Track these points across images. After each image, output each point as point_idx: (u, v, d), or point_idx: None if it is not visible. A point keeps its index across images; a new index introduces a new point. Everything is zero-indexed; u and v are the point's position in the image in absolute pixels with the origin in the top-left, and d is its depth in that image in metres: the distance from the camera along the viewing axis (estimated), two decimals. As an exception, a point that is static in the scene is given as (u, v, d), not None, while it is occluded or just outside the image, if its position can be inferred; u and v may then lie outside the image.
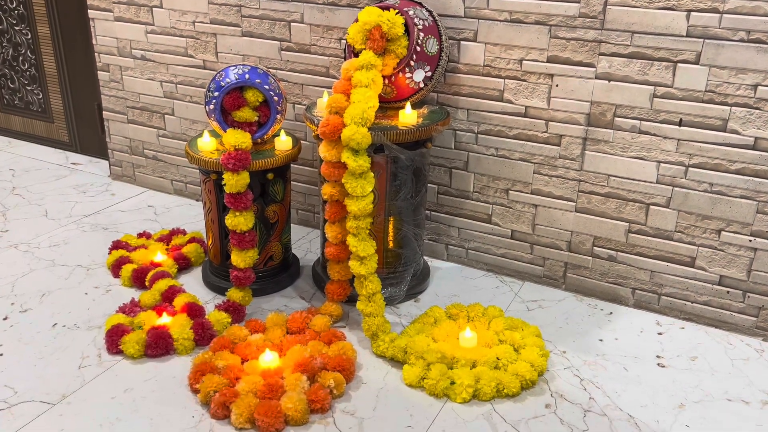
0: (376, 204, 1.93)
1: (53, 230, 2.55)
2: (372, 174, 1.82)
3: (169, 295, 2.03)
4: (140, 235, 2.46)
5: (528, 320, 1.98)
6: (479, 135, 2.16)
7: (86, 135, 3.24)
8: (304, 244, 2.49)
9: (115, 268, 2.22)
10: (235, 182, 1.89)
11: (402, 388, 1.73)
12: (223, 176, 1.91)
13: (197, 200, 2.85)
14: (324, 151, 1.84)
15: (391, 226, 2.04)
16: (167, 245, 2.38)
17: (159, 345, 1.81)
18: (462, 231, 2.30)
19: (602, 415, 1.65)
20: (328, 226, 1.93)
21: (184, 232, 2.47)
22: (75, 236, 2.51)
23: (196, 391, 1.68)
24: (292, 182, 2.48)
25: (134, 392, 1.69)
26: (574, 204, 2.10)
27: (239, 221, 1.92)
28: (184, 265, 2.27)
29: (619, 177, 2.01)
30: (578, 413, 1.65)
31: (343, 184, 1.83)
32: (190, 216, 2.70)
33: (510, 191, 2.18)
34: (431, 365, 1.73)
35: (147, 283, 2.13)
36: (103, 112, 2.93)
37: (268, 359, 1.73)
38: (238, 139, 1.91)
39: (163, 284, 2.07)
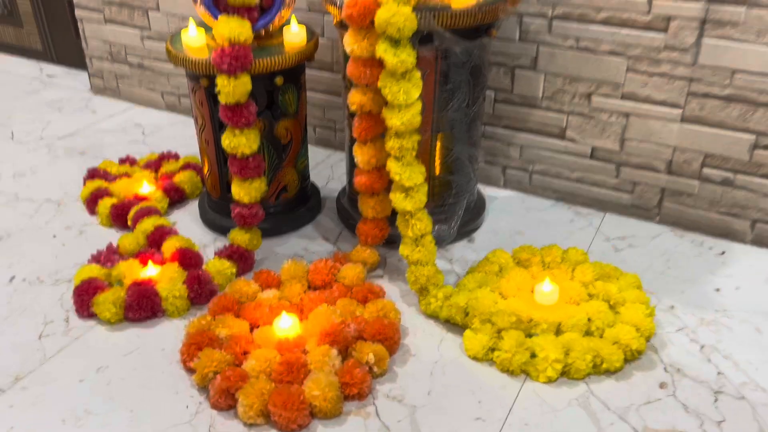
0: (422, 116, 1.44)
1: (19, 156, 2.10)
2: (418, 74, 1.33)
3: (157, 238, 1.59)
4: (122, 161, 2.00)
5: (617, 264, 1.53)
6: (554, 21, 1.63)
7: (62, 41, 2.72)
8: (325, 170, 2.02)
9: (91, 203, 1.78)
10: (232, 89, 1.40)
11: (463, 362, 1.30)
12: (217, 81, 1.42)
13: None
14: (351, 42, 1.33)
15: (438, 146, 1.55)
16: (156, 173, 1.92)
17: (142, 305, 1.39)
18: (525, 150, 1.81)
19: (739, 398, 1.22)
20: (359, 147, 1.45)
21: (176, 157, 2.00)
22: (45, 163, 2.06)
23: (191, 370, 1.26)
24: (307, 91, 1.98)
25: (110, 372, 1.28)
26: (681, 111, 1.59)
27: (240, 142, 1.45)
28: (176, 198, 1.82)
29: (748, 72, 1.49)
30: (706, 395, 1.22)
31: (378, 90, 1.34)
32: (186, 137, 2.23)
33: (593, 96, 1.67)
34: (503, 332, 1.30)
35: (129, 223, 1.69)
36: (75, 11, 2.40)
37: (286, 326, 1.31)
38: (233, 29, 1.40)
39: (149, 224, 1.63)
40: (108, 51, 2.41)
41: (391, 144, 1.37)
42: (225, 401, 1.18)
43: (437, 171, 1.58)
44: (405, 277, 1.51)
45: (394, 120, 1.34)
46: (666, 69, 1.57)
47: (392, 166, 1.39)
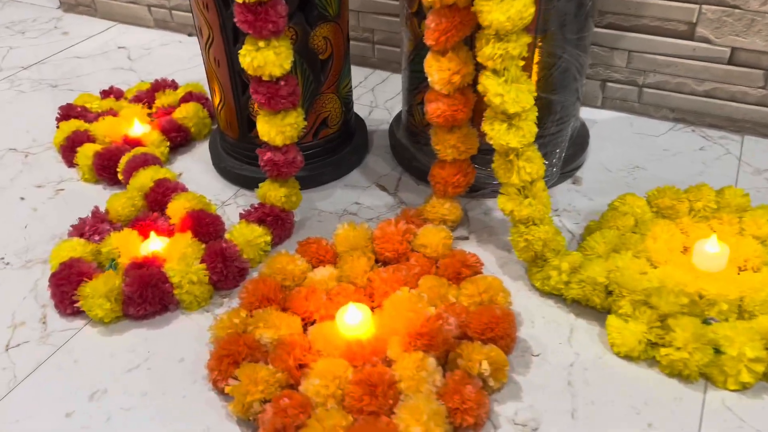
0: (530, 8, 1.00)
1: (-27, 94, 1.65)
2: (533, -60, 0.88)
3: (159, 197, 1.18)
4: (105, 94, 1.55)
5: (782, 207, 1.12)
6: None
7: (18, -52, 2.20)
8: (365, 94, 1.58)
9: (68, 152, 1.35)
10: (252, -21, 0.95)
11: (611, 363, 0.91)
12: (228, -31, 0.96)
13: (190, 34, 1.89)
14: None
15: (540, 53, 1.11)
16: (149, 108, 1.48)
17: (147, 297, 0.99)
18: (635, 57, 1.37)
19: None
20: (434, 59, 1.01)
21: (174, 86, 1.55)
22: (5, 102, 1.61)
23: (222, 392, 0.88)
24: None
25: (108, 400, 0.90)
26: None
27: (266, 59, 1.01)
28: (178, 139, 1.39)
29: None
30: None
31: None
32: (183, 59, 1.77)
33: (743, -24, 1.22)
34: (669, 319, 0.90)
35: (120, 177, 1.27)
36: None
37: (355, 321, 0.91)
38: None
39: (146, 177, 1.21)
40: (75, -46, 1.92)
41: (490, 51, 0.93)
42: (281, 445, 0.81)
43: (536, 88, 1.14)
44: (502, 238, 1.11)
45: (495, 14, 0.90)
46: None
47: (489, 84, 0.95)
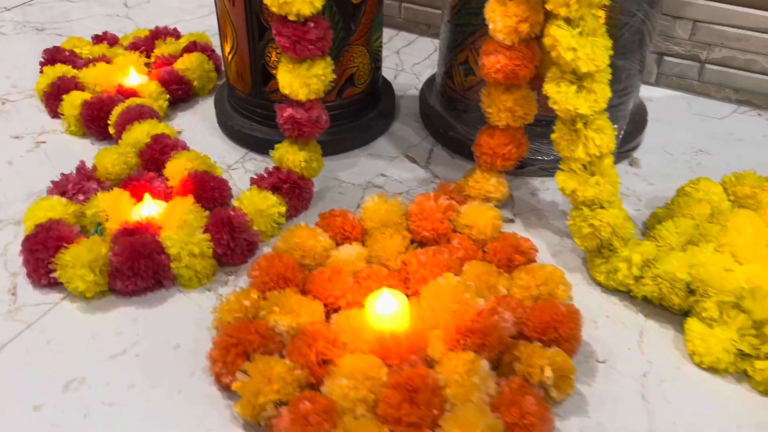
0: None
1: (-52, 33, 1.47)
2: None
3: (156, 155, 1.01)
4: (98, 39, 1.37)
5: None
6: None
7: None
8: (389, 57, 1.42)
9: (52, 100, 1.18)
10: None
11: (693, 376, 0.77)
12: None
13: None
14: None
15: (612, 12, 0.96)
16: (147, 57, 1.31)
17: (139, 269, 0.82)
18: (700, 27, 1.21)
19: None
20: (498, 4, 0.85)
21: (176, 34, 1.38)
22: (-15, 43, 1.44)
23: (227, 388, 0.72)
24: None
25: (86, 390, 0.74)
26: None
27: (295, -7, 0.84)
28: (179, 93, 1.22)
29: None
30: None
31: None
32: (186, 10, 1.60)
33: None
34: (765, 326, 0.76)
35: (112, 130, 1.10)
36: None
37: (390, 311, 0.76)
38: None
39: (141, 132, 1.04)
40: None
41: (564, -4, 0.77)
42: (300, 459, 0.65)
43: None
44: (551, 222, 0.96)
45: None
46: None
47: (561, 35, 0.80)
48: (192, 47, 1.29)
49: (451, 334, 0.74)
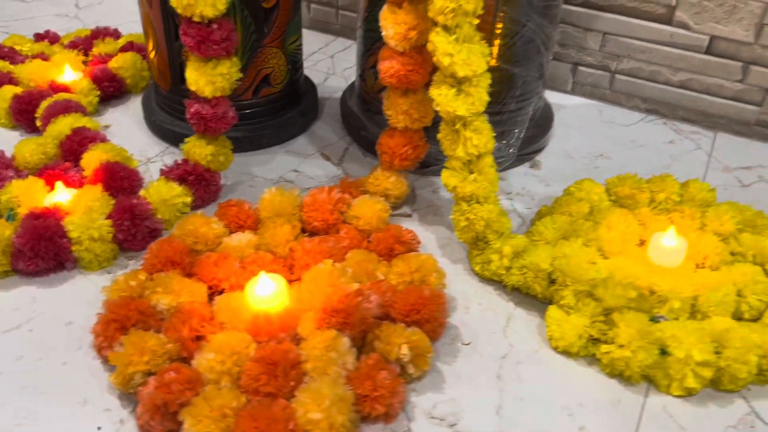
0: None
1: None
2: None
3: (75, 146, 1.07)
4: (39, 38, 1.43)
5: (749, 204, 1.03)
6: None
7: None
8: (323, 61, 1.48)
9: (-14, 94, 1.24)
10: None
11: (548, 359, 0.82)
12: None
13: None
14: None
15: (502, 19, 1.02)
16: (85, 56, 1.37)
17: (39, 251, 0.88)
18: (610, 39, 1.28)
19: None
20: (390, 12, 0.92)
21: (116, 35, 1.44)
22: (-66, 39, 1.49)
23: (107, 360, 0.77)
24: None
25: (-22, 361, 0.79)
26: None
27: (197, -4, 0.90)
28: (111, 90, 1.27)
29: None
30: None
31: None
32: (136, 12, 1.65)
33: (727, -42, 1.14)
34: (615, 313, 0.82)
35: (38, 123, 1.15)
36: None
37: (266, 293, 0.81)
38: None
39: (64, 125, 1.10)
40: None
41: (441, 4, 0.83)
42: (162, 424, 0.70)
43: (495, 58, 1.06)
44: (447, 218, 1.02)
45: (448, -39, 0.81)
46: None
47: (439, 41, 0.86)
48: (129, 47, 1.35)
49: (319, 315, 0.79)
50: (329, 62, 1.47)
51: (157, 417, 0.70)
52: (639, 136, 1.26)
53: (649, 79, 1.29)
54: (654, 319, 0.82)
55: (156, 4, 1.05)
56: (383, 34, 0.93)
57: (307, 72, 1.40)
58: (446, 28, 0.86)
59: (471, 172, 0.91)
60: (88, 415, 0.74)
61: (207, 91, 0.97)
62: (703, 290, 0.85)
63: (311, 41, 1.54)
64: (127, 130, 1.21)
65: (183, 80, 1.09)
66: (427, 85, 0.98)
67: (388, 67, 0.95)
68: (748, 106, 1.23)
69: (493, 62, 1.06)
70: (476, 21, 0.87)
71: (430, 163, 1.10)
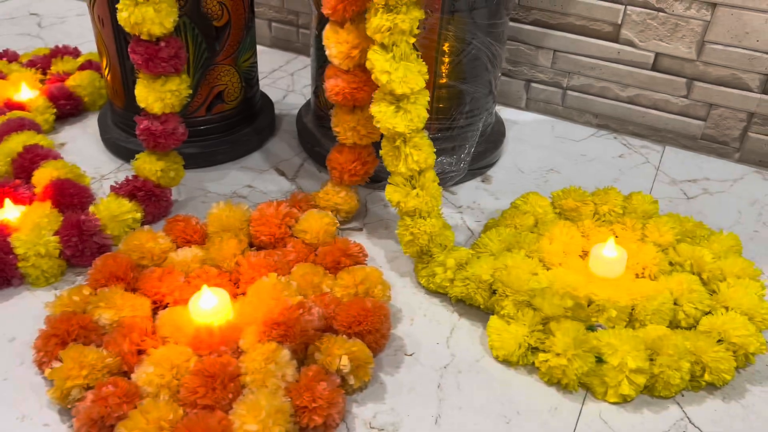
0: (431, -17, 0.93)
1: None
2: None
3: (26, 164, 1.07)
4: (-3, 57, 1.44)
5: (692, 216, 1.06)
6: None
7: None
8: (283, 78, 1.50)
9: (-59, 113, 1.24)
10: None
11: (489, 368, 0.84)
12: None
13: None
14: None
15: (449, 37, 1.05)
16: (43, 74, 1.37)
17: (-14, 268, 0.88)
18: (560, 57, 1.31)
19: None
20: (332, 31, 0.94)
21: (75, 53, 1.45)
22: None
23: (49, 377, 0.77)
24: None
25: None
26: (797, 1, 1.11)
27: (145, 15, 0.92)
28: (68, 108, 1.28)
29: None
30: None
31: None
32: (97, 31, 1.66)
33: (667, -22, 1.18)
34: (552, 322, 0.83)
35: (-9, 141, 1.16)
36: None
37: (209, 306, 0.82)
38: None
39: (16, 142, 1.10)
40: None
41: (378, 23, 0.85)
42: (98, 438, 0.71)
43: (443, 76, 1.08)
44: (390, 231, 1.03)
45: (385, -19, 0.83)
46: (785, -66, 1.07)
47: (376, 60, 0.87)
48: (87, 65, 1.36)
49: (262, 329, 0.80)
50: (289, 79, 1.49)
51: (94, 431, 0.70)
52: (590, 151, 1.29)
53: (599, 95, 1.32)
54: (592, 328, 0.84)
55: (108, 24, 1.06)
56: (327, 53, 0.95)
57: (267, 89, 1.42)
58: (383, 47, 0.88)
59: (414, 188, 0.93)
60: (26, 431, 0.73)
61: (156, 108, 0.98)
62: (641, 299, 0.87)
63: (272, 59, 1.56)
64: (83, 147, 1.22)
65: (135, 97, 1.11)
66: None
67: (333, 85, 0.97)
68: (693, 121, 1.27)
69: (443, 80, 1.09)
70: (412, 40, 0.89)
71: (381, 178, 1.11)
